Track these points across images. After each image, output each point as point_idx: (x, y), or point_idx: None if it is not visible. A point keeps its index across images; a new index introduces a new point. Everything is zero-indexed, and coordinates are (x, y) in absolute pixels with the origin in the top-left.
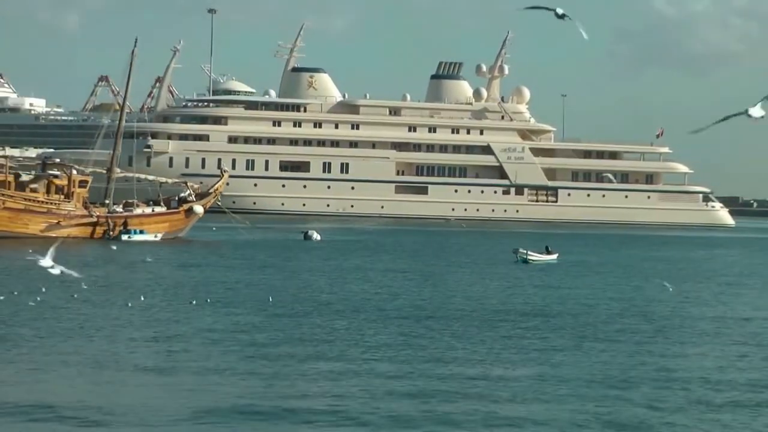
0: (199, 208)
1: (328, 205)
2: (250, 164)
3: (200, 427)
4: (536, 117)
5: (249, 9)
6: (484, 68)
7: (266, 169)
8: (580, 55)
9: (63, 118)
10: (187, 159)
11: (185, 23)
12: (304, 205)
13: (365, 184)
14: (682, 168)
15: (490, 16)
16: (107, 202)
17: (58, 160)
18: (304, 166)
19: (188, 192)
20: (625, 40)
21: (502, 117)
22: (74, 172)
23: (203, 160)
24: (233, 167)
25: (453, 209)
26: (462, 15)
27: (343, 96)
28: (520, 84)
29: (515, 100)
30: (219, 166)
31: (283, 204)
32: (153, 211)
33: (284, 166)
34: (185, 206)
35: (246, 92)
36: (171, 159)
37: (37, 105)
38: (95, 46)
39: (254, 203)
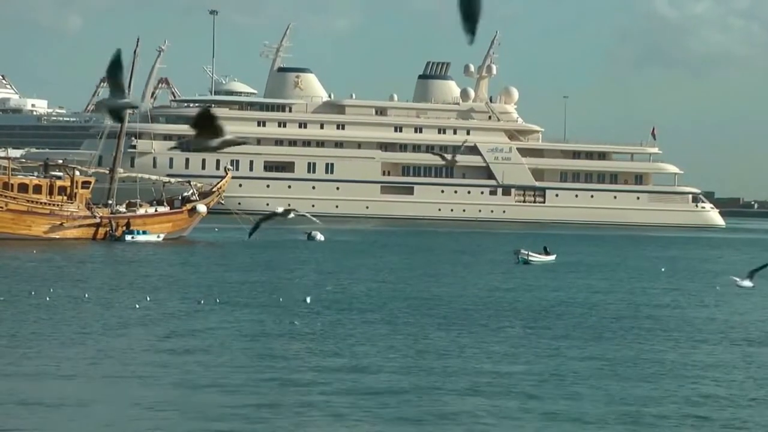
0: (202, 208)
1: (313, 206)
2: (234, 164)
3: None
4: (531, 118)
5: (250, 10)
6: (472, 68)
7: (251, 169)
8: (581, 56)
9: (65, 119)
10: (171, 159)
11: (187, 24)
12: (288, 205)
13: (350, 185)
14: (672, 168)
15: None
16: (110, 202)
17: (60, 161)
18: (288, 167)
19: (191, 191)
20: (626, 41)
21: (490, 117)
22: (77, 173)
23: (187, 160)
24: (217, 167)
25: (439, 209)
26: (452, 15)
27: (329, 96)
28: (510, 84)
29: (503, 100)
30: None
31: (267, 204)
32: (156, 211)
33: (269, 167)
34: (188, 206)
35: (247, 93)
36: (155, 159)
37: (39, 106)
38: (97, 47)
39: (239, 203)
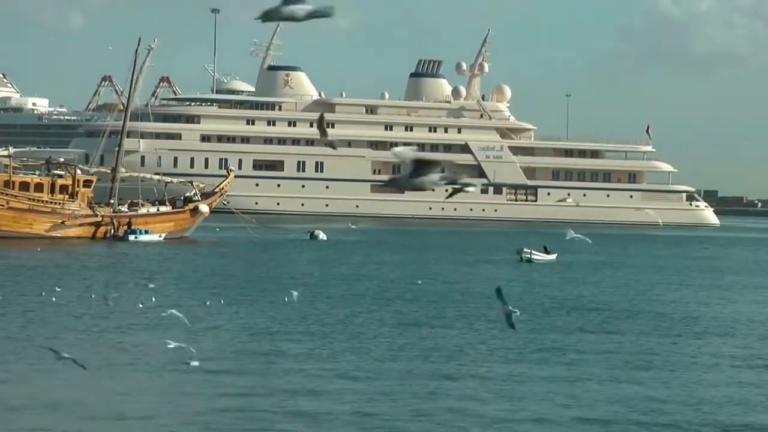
0: (204, 208)
1: (302, 204)
2: (223, 163)
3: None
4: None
5: (252, 8)
6: (464, 66)
7: (240, 167)
8: (581, 54)
9: (66, 117)
10: (159, 158)
11: (188, 23)
12: (278, 204)
13: (340, 183)
14: (666, 167)
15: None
16: (112, 201)
17: (62, 159)
18: (278, 165)
19: (194, 191)
20: (628, 39)
21: (481, 115)
22: (78, 171)
23: (175, 158)
24: (206, 166)
25: (430, 208)
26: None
27: (320, 95)
28: (504, 82)
29: (495, 98)
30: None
31: (256, 203)
32: (158, 210)
33: (258, 165)
34: (190, 206)
35: (249, 92)
36: (143, 158)
37: (40, 105)
38: (98, 46)
39: (228, 202)
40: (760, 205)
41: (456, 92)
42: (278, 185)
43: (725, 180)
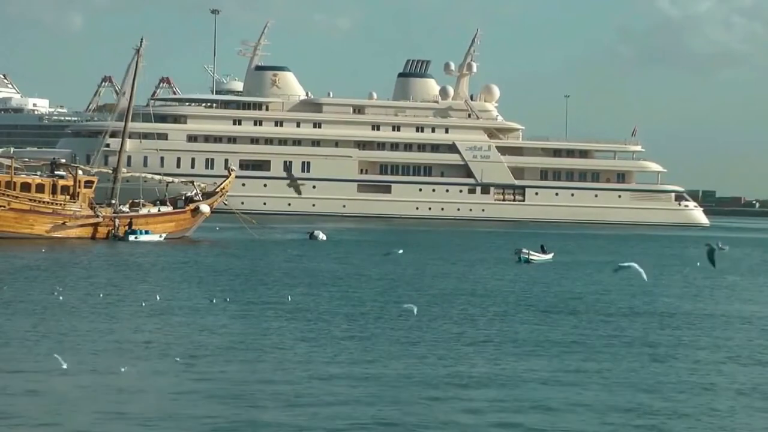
0: (205, 208)
1: (289, 204)
2: (209, 163)
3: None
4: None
5: (251, 8)
6: (453, 66)
7: (226, 167)
8: (577, 54)
9: (66, 118)
10: (146, 158)
11: (189, 23)
12: (264, 204)
13: (327, 183)
14: (655, 167)
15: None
16: (113, 202)
17: (63, 160)
18: (264, 165)
19: (195, 191)
20: (627, 40)
21: (469, 115)
22: (80, 172)
23: (162, 159)
24: (192, 166)
25: (417, 208)
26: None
27: (307, 94)
28: (493, 82)
29: (484, 98)
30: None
31: (243, 203)
32: (159, 210)
33: (245, 165)
34: (192, 206)
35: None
36: (129, 158)
37: (41, 105)
38: (99, 47)
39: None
40: (758, 205)
41: (444, 92)
42: (265, 185)
43: (723, 180)
